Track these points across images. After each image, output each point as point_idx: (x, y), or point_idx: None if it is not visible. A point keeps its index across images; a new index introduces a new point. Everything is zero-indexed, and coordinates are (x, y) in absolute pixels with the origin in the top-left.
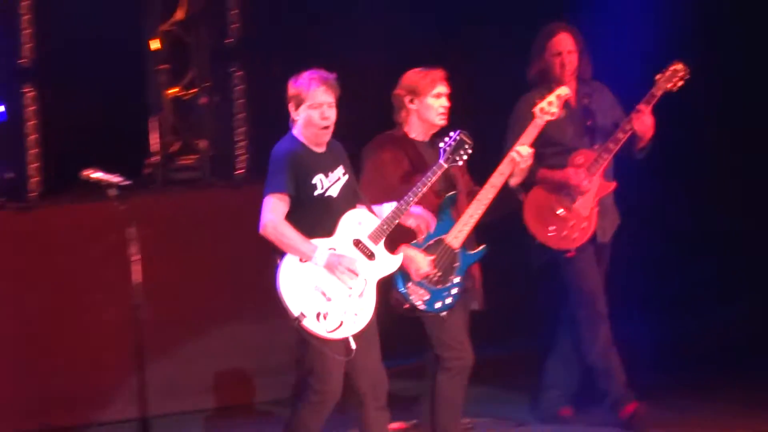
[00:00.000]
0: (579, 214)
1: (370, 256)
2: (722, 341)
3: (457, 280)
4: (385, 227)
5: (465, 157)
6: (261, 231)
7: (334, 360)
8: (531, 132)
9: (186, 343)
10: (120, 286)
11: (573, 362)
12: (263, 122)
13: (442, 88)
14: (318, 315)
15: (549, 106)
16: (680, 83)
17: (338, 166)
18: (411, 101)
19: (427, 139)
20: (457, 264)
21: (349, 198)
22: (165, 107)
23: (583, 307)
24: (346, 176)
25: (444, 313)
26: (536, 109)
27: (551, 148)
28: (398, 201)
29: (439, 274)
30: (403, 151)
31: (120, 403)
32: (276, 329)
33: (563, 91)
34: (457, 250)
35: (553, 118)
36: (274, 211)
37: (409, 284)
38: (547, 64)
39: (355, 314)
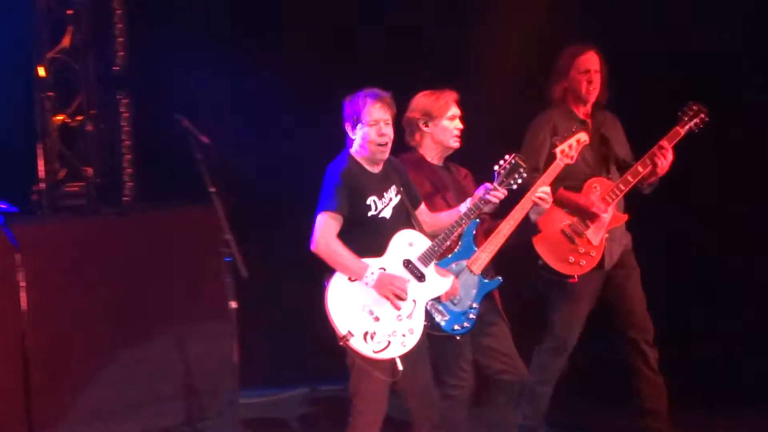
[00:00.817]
0: (589, 241)
1: (420, 277)
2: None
3: (474, 305)
4: (436, 248)
5: (520, 181)
6: (313, 248)
7: (378, 381)
8: (551, 174)
9: (73, 371)
10: (6, 312)
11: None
12: (150, 150)
13: (456, 110)
14: (365, 335)
15: (569, 150)
16: (702, 124)
17: (391, 186)
18: (425, 124)
19: (441, 162)
20: (475, 290)
21: (402, 218)
22: (51, 134)
23: (554, 335)
24: (399, 197)
25: (459, 338)
26: (557, 151)
27: (566, 172)
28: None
29: (459, 297)
30: (423, 174)
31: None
32: (163, 356)
33: (582, 137)
34: (476, 276)
35: (571, 162)
36: (326, 228)
37: (431, 302)
38: (574, 81)
39: (403, 335)
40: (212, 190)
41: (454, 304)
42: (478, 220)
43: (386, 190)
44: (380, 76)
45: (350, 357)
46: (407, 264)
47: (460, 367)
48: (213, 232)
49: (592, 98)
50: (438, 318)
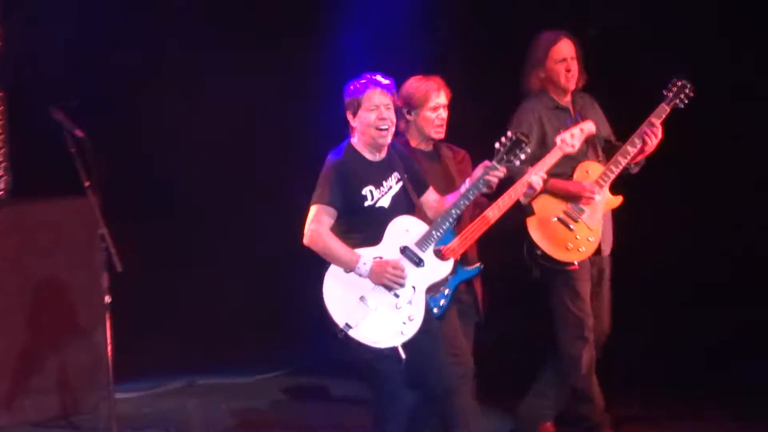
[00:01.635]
0: (586, 226)
1: (418, 263)
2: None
3: (446, 291)
4: (434, 233)
5: (522, 157)
6: (305, 241)
7: (389, 375)
8: (548, 161)
9: None
10: None
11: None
12: (24, 143)
13: (440, 99)
14: (364, 325)
15: (571, 138)
16: (687, 100)
17: (392, 173)
18: (408, 113)
19: (430, 147)
20: (449, 276)
21: (402, 206)
22: None
23: (568, 328)
24: (400, 184)
25: None
26: (558, 138)
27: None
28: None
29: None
30: None
31: None
32: (37, 350)
33: (589, 126)
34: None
35: (573, 151)
36: (317, 220)
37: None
38: (552, 71)
39: (403, 323)
40: (86, 183)
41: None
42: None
43: (386, 179)
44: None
45: (350, 355)
46: (404, 250)
47: (450, 353)
48: (88, 226)
49: (572, 85)
50: None
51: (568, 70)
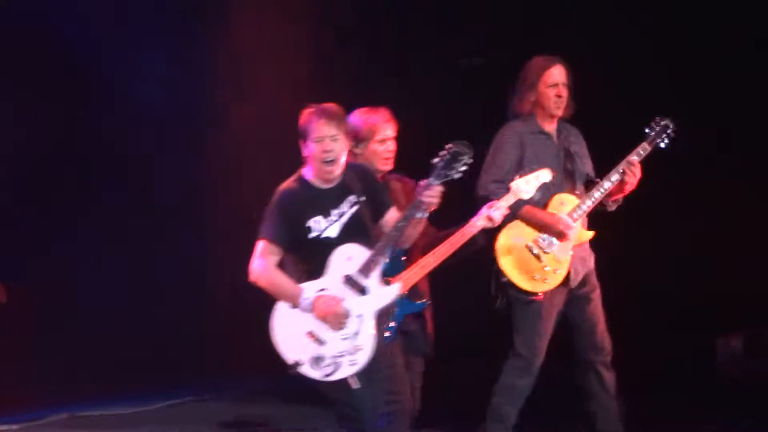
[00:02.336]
0: (555, 258)
1: (363, 291)
2: None
3: (391, 324)
4: (376, 257)
5: (462, 170)
6: (250, 277)
7: (346, 401)
8: (502, 204)
9: None
10: None
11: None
12: None
13: (387, 132)
14: (313, 361)
15: (526, 185)
16: (668, 140)
17: (346, 198)
18: (355, 146)
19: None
20: (395, 310)
21: (353, 233)
22: None
23: (520, 355)
24: (355, 207)
25: None
26: (513, 185)
27: None
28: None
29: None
30: None
31: None
32: None
33: (545, 176)
34: (399, 295)
35: (526, 197)
36: (261, 256)
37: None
38: (542, 95)
39: (350, 354)
40: None
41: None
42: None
43: (336, 206)
44: None
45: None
46: (347, 280)
47: (386, 390)
48: None
49: (560, 112)
50: None
51: (558, 96)
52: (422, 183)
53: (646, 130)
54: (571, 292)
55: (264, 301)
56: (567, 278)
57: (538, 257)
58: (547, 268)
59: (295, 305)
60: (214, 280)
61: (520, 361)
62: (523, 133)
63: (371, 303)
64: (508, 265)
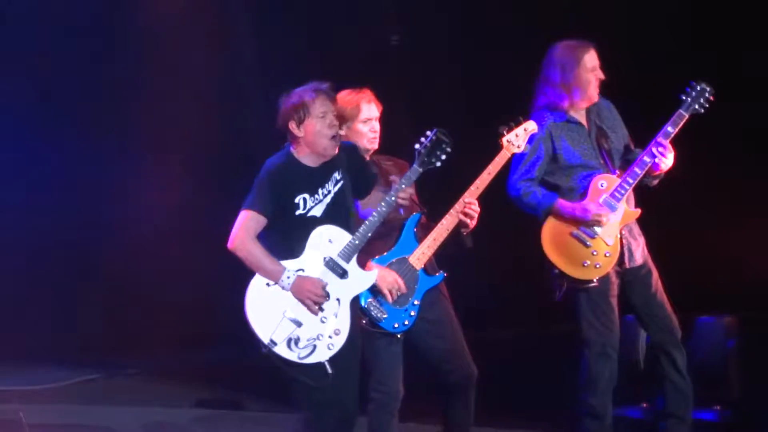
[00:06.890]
0: (603, 242)
1: (342, 274)
2: None
3: (416, 302)
4: (357, 243)
5: (443, 158)
6: (229, 246)
7: (314, 389)
8: (497, 164)
9: None
10: None
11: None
12: None
13: (371, 112)
14: (289, 341)
15: (516, 139)
16: (707, 104)
17: (331, 176)
18: (340, 128)
19: (367, 159)
20: (416, 286)
21: (336, 214)
22: None
23: (591, 345)
24: (339, 184)
25: (399, 335)
26: (504, 140)
27: (569, 171)
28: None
29: (401, 293)
30: None
31: None
32: None
33: (532, 126)
34: (417, 271)
35: (518, 151)
36: (244, 227)
37: (370, 299)
38: (582, 81)
39: (330, 337)
40: None
41: (394, 302)
42: (419, 214)
43: (323, 185)
44: None
45: (275, 367)
46: (328, 262)
47: (385, 373)
48: None
49: (597, 96)
50: (377, 315)
51: (600, 79)
52: (394, 179)
53: (682, 96)
54: (628, 274)
55: None
56: (621, 258)
57: (585, 243)
58: (595, 253)
59: (273, 281)
60: None
61: (596, 347)
62: (550, 126)
63: (350, 287)
64: (556, 256)
